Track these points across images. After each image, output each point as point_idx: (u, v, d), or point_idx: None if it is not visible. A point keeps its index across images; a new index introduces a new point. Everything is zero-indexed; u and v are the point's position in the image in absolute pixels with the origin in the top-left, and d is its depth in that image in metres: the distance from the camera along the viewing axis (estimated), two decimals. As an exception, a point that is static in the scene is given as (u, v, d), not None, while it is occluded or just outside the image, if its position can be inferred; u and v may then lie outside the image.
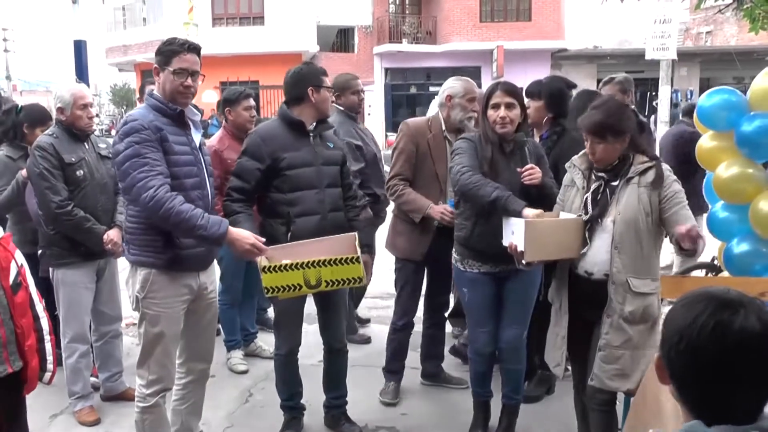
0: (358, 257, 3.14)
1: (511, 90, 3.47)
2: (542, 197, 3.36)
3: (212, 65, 23.18)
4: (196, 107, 3.31)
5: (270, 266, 3.15)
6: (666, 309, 2.94)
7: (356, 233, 3.43)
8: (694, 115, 3.93)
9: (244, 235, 3.04)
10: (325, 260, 3.16)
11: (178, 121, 3.10)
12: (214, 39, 23.96)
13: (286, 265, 3.16)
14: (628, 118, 3.03)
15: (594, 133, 3.00)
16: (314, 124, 3.59)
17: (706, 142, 3.85)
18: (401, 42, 26.44)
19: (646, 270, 3.01)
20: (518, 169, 3.35)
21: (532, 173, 3.32)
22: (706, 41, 27.67)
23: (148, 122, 2.97)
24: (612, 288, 3.03)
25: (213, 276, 3.40)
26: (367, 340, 5.30)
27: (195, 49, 3.08)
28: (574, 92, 4.49)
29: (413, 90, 26.86)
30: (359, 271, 3.19)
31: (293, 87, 3.57)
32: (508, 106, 3.41)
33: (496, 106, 3.43)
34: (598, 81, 23.38)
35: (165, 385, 3.22)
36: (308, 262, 3.15)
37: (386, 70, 26.99)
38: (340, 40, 28.42)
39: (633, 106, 5.35)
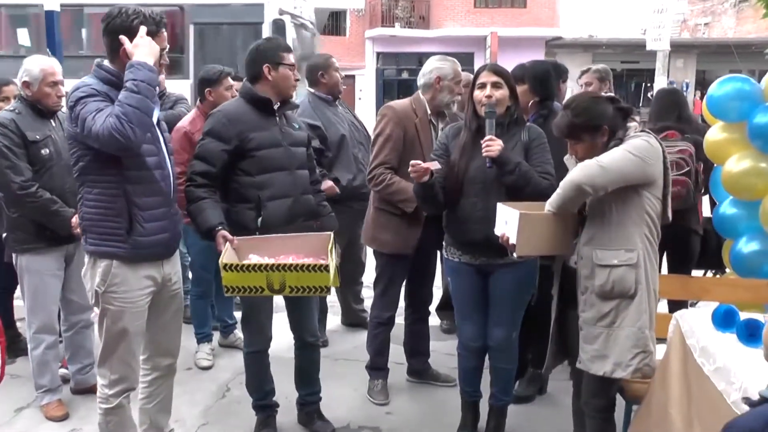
0: (327, 266, 2.90)
1: (499, 70, 3.30)
2: (516, 188, 3.14)
3: None
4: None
5: (231, 265, 2.91)
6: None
7: (332, 234, 3.20)
8: (703, 106, 3.73)
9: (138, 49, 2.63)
10: (290, 265, 2.92)
11: None
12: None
13: (249, 266, 2.92)
14: (599, 110, 2.87)
15: (568, 136, 2.89)
16: (278, 103, 3.36)
17: (715, 133, 3.65)
18: (394, 26, 26.22)
19: (617, 240, 2.82)
20: (481, 141, 3.15)
21: (491, 144, 3.10)
22: (703, 33, 27.59)
23: (102, 91, 2.69)
24: (581, 262, 2.91)
25: (177, 266, 3.15)
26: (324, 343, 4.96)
27: (165, 24, 2.82)
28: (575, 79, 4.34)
29: (405, 75, 26.68)
30: (326, 280, 2.94)
31: (249, 64, 3.34)
32: (495, 85, 3.23)
33: (482, 86, 3.25)
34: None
35: (129, 385, 2.99)
36: (273, 265, 2.92)
37: (378, 54, 26.78)
38: (332, 23, 28.04)
39: (611, 93, 5.26)
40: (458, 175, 3.27)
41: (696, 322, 2.47)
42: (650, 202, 2.82)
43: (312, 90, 4.71)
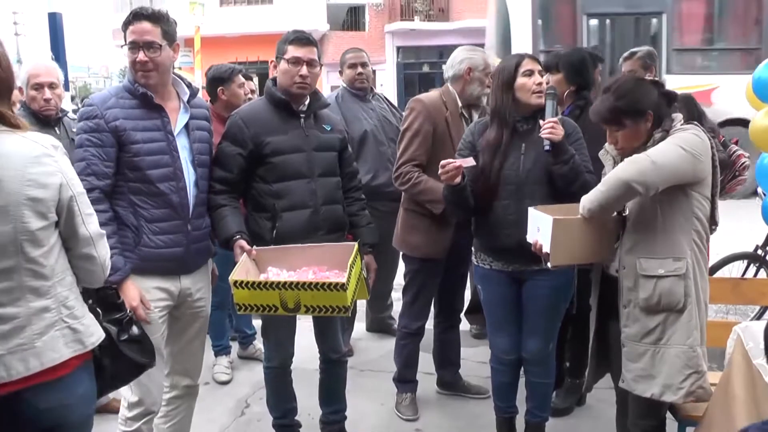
0: (343, 284, 2.64)
1: (537, 59, 3.06)
2: (566, 180, 2.89)
3: (220, 45, 22.85)
4: (190, 85, 2.86)
5: (242, 281, 2.68)
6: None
7: (357, 245, 2.92)
8: (748, 89, 3.44)
9: (131, 295, 2.63)
10: (305, 283, 2.69)
11: (147, 103, 2.68)
12: (221, 19, 23.63)
13: (261, 283, 2.70)
14: (644, 94, 2.59)
15: (609, 122, 2.59)
16: (306, 103, 3.10)
17: (763, 119, 3.35)
18: (413, 20, 26.00)
19: (663, 247, 2.55)
20: (541, 121, 2.89)
21: (555, 127, 2.84)
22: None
23: (104, 109, 2.63)
24: (623, 272, 2.64)
25: (201, 283, 2.95)
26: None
27: (146, 16, 2.62)
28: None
29: (426, 68, 26.40)
30: (344, 300, 2.68)
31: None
32: (541, 73, 3.00)
33: (530, 73, 2.98)
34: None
35: (146, 409, 2.81)
36: (286, 283, 2.70)
37: (398, 48, 26.57)
38: (351, 18, 27.89)
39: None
40: (490, 177, 3.00)
41: (763, 338, 2.18)
42: (699, 204, 2.55)
43: (344, 85, 4.60)
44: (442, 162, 2.85)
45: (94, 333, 2.00)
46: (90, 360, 2.01)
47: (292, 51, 2.99)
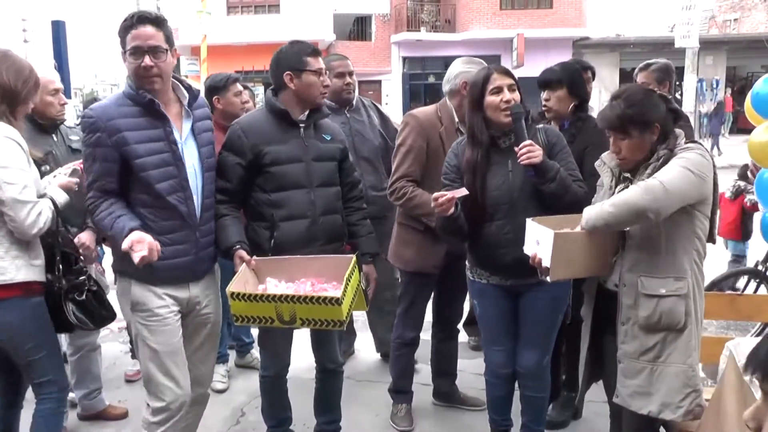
0: (338, 299, 2.64)
1: (509, 71, 3.02)
2: (556, 197, 2.86)
3: (227, 54, 22.95)
4: (189, 88, 2.82)
5: (239, 293, 2.69)
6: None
7: (354, 258, 2.92)
8: (747, 104, 3.43)
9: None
10: (300, 297, 2.70)
11: (151, 111, 2.66)
12: (228, 28, 23.75)
13: (258, 295, 2.70)
14: (653, 105, 2.57)
15: (615, 129, 2.57)
16: (306, 113, 3.11)
17: (762, 134, 3.35)
18: (419, 30, 26.11)
19: (665, 267, 2.54)
20: (515, 148, 2.85)
21: (531, 150, 2.80)
22: (733, 29, 27.11)
23: (105, 121, 2.61)
24: (623, 290, 2.62)
25: (209, 290, 2.97)
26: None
27: (149, 19, 2.59)
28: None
29: (431, 79, 26.45)
30: (340, 314, 2.68)
31: (273, 72, 3.10)
32: (511, 89, 2.94)
33: (498, 90, 2.93)
34: (621, 70, 22.73)
35: (171, 414, 2.83)
36: (282, 296, 2.70)
37: (404, 59, 26.64)
38: (357, 28, 27.98)
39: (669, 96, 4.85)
40: (478, 198, 2.97)
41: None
42: (700, 223, 2.54)
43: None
44: (435, 195, 2.83)
45: (5, 274, 2.60)
46: (17, 299, 2.65)
47: (315, 63, 3.04)
